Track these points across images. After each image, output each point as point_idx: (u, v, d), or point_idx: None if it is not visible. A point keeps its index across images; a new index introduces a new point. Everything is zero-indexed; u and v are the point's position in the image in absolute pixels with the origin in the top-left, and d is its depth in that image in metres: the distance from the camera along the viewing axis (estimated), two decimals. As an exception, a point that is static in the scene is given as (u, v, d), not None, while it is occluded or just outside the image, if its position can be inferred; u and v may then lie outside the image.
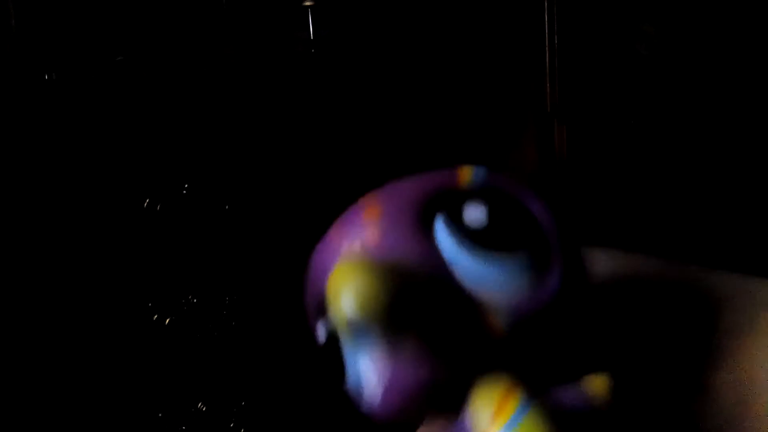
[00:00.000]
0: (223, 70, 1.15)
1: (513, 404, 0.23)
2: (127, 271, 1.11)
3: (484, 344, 0.24)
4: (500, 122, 1.27)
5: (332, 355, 0.26)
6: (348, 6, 1.20)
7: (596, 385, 0.24)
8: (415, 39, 1.22)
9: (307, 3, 1.17)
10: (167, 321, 1.12)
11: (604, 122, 1.26)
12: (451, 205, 0.25)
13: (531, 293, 0.24)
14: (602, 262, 0.29)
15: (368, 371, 0.25)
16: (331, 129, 1.20)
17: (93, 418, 1.09)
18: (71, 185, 1.10)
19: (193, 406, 1.12)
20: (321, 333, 0.27)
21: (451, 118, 1.25)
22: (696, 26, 1.23)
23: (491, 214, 0.24)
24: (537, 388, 0.24)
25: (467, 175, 0.27)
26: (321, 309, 0.27)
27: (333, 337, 0.26)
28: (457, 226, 0.24)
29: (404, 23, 1.22)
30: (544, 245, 0.25)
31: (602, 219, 1.28)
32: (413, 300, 0.23)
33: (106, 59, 1.10)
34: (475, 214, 0.24)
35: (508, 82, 1.27)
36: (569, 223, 0.26)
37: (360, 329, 0.23)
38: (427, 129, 1.24)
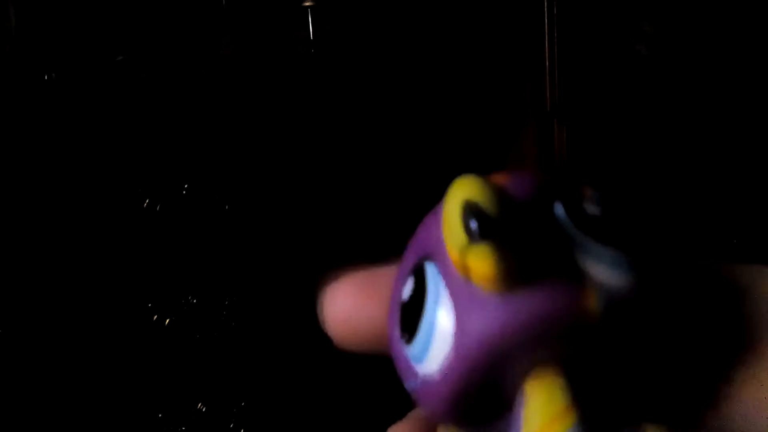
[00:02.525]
0: (222, 70, 1.15)
1: (568, 422, 0.22)
2: (127, 271, 1.11)
3: (577, 321, 0.23)
4: (500, 122, 1.27)
5: (408, 314, 0.24)
6: (348, 6, 1.20)
7: None
8: (415, 39, 1.22)
9: (307, 3, 1.17)
10: (167, 321, 1.12)
11: (604, 121, 1.26)
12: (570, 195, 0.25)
13: (627, 286, 0.24)
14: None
15: (444, 321, 0.24)
16: (331, 129, 1.20)
17: (93, 418, 1.09)
18: (71, 185, 1.10)
19: (193, 406, 1.12)
20: (407, 290, 0.25)
21: (451, 118, 1.25)
22: (696, 26, 1.23)
23: (608, 209, 0.24)
24: (594, 420, 0.23)
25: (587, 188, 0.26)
26: (412, 269, 0.25)
27: (417, 294, 0.24)
28: (576, 207, 0.24)
29: (404, 23, 1.22)
30: (650, 255, 0.25)
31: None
32: (524, 228, 0.23)
33: (106, 59, 1.10)
34: (592, 206, 0.24)
35: (508, 82, 1.27)
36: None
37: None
38: (427, 129, 1.24)
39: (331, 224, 1.19)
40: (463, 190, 0.23)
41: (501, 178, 0.25)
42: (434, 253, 0.25)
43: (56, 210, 1.09)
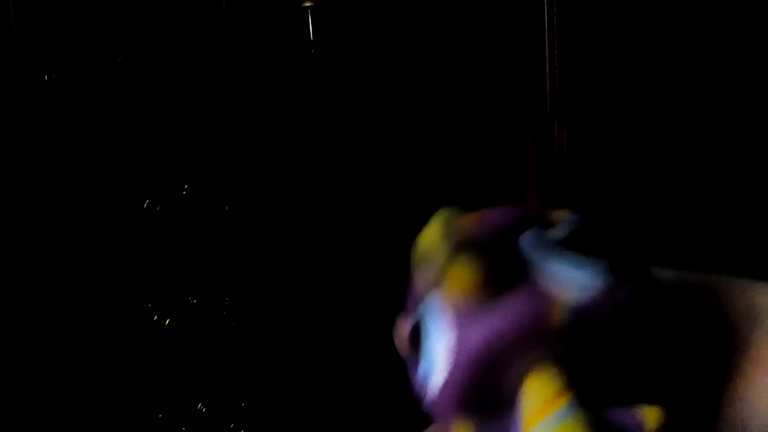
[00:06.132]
0: (222, 70, 1.15)
1: (564, 400, 0.24)
2: (128, 271, 1.11)
3: (543, 331, 0.25)
4: (500, 123, 1.27)
5: (416, 339, 0.28)
6: (348, 6, 1.20)
7: (650, 415, 0.25)
8: (415, 39, 1.22)
9: (307, 3, 1.17)
10: (167, 322, 1.12)
11: (604, 123, 1.26)
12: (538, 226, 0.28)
13: (598, 297, 0.26)
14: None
15: (439, 341, 0.26)
16: (331, 129, 1.20)
17: (93, 418, 1.09)
18: (71, 185, 1.10)
19: (193, 406, 1.12)
20: (407, 325, 0.29)
21: (452, 119, 1.25)
22: (696, 27, 1.23)
23: (575, 232, 0.28)
24: (590, 398, 0.25)
25: (561, 214, 0.30)
26: (415, 303, 0.28)
27: (416, 327, 0.28)
28: (541, 234, 0.28)
29: (404, 23, 1.22)
30: (619, 262, 0.27)
31: (602, 219, 1.28)
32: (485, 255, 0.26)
33: (106, 59, 1.10)
34: (559, 231, 0.28)
35: (508, 82, 1.27)
36: (644, 255, 0.29)
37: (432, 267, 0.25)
38: (427, 129, 1.24)
39: (331, 224, 1.19)
40: (442, 216, 0.27)
41: (479, 213, 0.29)
42: (432, 284, 0.28)
43: (56, 210, 1.09)
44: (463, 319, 0.26)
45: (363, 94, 1.21)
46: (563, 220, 0.29)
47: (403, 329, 0.29)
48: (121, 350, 1.11)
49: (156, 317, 1.12)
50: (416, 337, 0.28)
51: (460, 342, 0.26)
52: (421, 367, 0.28)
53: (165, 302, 1.12)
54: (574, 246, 0.27)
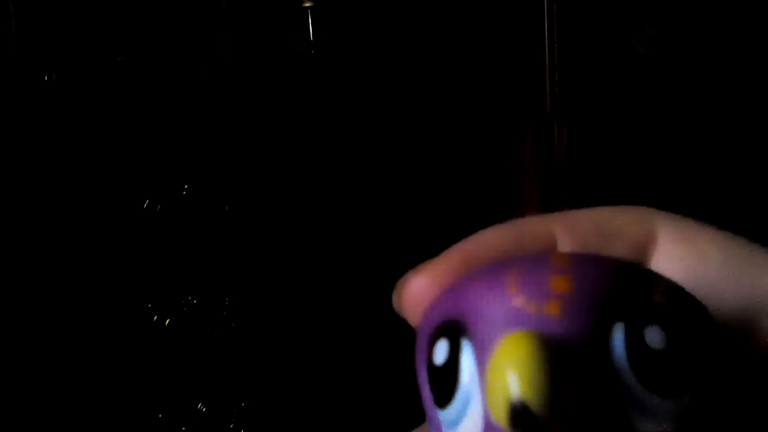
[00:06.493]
0: (222, 70, 1.15)
1: None
2: (127, 271, 1.11)
3: None
4: (500, 123, 1.27)
5: (440, 380, 0.24)
6: (348, 7, 1.20)
7: None
8: (414, 40, 1.22)
9: (307, 4, 1.17)
10: (167, 322, 1.12)
11: (604, 123, 1.26)
12: (633, 311, 0.23)
13: None
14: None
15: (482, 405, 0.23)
16: (331, 130, 1.20)
17: (93, 418, 1.09)
18: (71, 185, 1.10)
19: (193, 406, 1.12)
20: (441, 354, 0.24)
21: (451, 119, 1.25)
22: (696, 27, 1.23)
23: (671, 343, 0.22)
24: None
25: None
26: (447, 329, 0.24)
27: (451, 363, 0.24)
28: (638, 344, 0.22)
29: (404, 24, 1.22)
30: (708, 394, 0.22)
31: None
32: (576, 397, 0.21)
33: (106, 60, 1.10)
34: (656, 337, 0.22)
35: (508, 82, 1.27)
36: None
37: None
38: (427, 129, 1.24)
39: (331, 225, 1.19)
40: (514, 367, 0.21)
41: (561, 282, 0.22)
42: (471, 327, 0.23)
43: (56, 210, 1.09)
44: None
45: (363, 94, 1.21)
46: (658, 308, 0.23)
47: (422, 341, 0.25)
48: (120, 350, 1.11)
49: (156, 317, 1.12)
50: (444, 372, 0.23)
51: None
52: (449, 412, 0.23)
53: (165, 302, 1.12)
54: (671, 366, 0.22)
